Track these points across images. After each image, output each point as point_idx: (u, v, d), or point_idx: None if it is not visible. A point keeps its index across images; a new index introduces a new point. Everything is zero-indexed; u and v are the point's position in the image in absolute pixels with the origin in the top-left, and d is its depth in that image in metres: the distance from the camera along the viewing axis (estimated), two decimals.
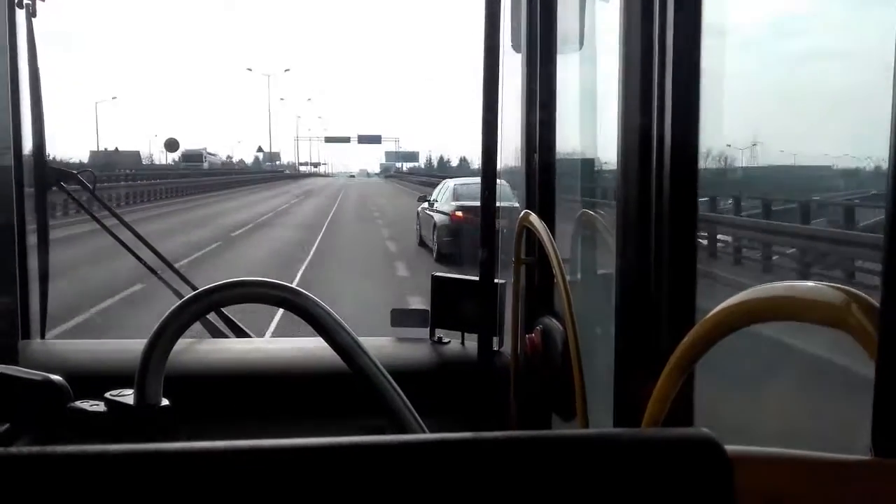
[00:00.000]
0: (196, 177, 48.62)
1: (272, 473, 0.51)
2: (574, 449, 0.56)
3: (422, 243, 15.72)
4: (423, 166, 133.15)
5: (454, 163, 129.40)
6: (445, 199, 14.70)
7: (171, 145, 59.63)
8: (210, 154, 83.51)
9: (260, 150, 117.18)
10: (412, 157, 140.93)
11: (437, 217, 14.20)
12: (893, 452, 0.57)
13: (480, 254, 1.72)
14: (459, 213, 13.13)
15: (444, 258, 13.22)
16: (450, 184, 15.84)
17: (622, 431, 0.61)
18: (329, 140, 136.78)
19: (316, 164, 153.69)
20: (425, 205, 15.95)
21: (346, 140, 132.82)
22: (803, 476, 0.57)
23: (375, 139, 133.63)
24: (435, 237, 13.98)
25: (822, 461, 0.58)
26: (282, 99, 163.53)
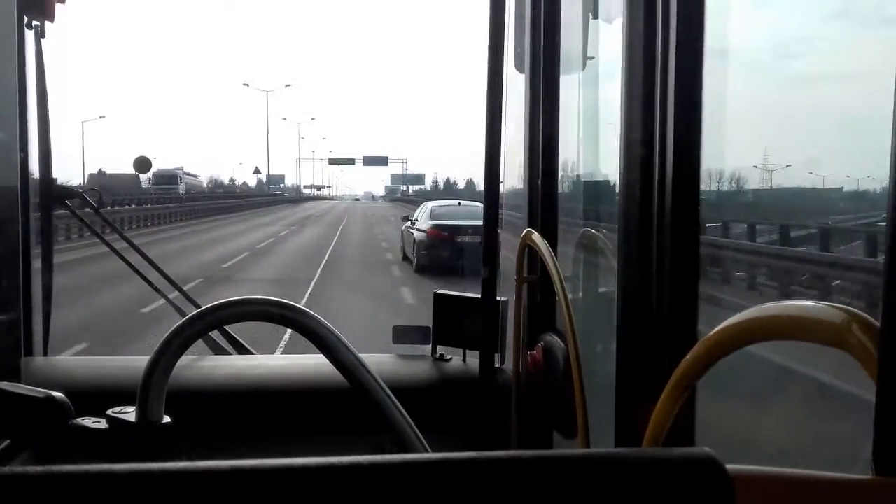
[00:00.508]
0: (178, 201, 44.62)
1: (276, 493, 0.51)
2: (576, 469, 0.56)
3: (405, 258, 17.43)
4: (429, 189, 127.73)
5: (461, 185, 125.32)
6: (424, 218, 16.51)
7: (142, 164, 49.19)
8: (189, 175, 74.70)
9: (257, 171, 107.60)
10: (418, 179, 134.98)
11: (417, 234, 16.08)
12: (894, 471, 0.57)
13: (483, 271, 1.73)
14: (435, 231, 15.19)
15: (422, 269, 15.12)
16: (428, 205, 17.80)
17: (624, 451, 0.61)
18: (333, 161, 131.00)
19: (319, 187, 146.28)
20: (408, 224, 17.70)
21: (351, 162, 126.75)
22: (805, 495, 0.57)
23: (382, 161, 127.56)
24: (414, 251, 15.98)
25: (823, 480, 0.58)
26: (284, 119, 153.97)
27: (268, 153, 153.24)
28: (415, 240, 16.20)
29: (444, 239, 14.94)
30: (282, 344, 7.07)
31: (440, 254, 14.56)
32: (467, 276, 13.40)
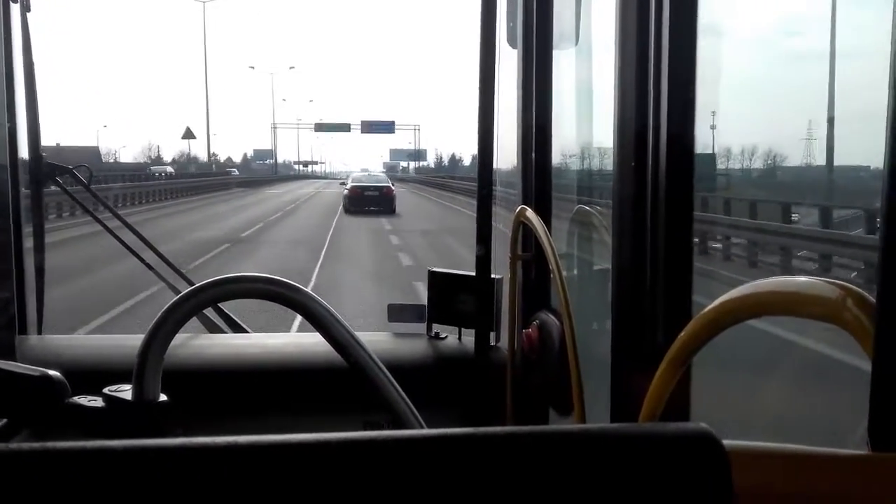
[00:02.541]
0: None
1: (272, 469, 0.51)
2: (573, 444, 0.56)
3: (343, 206, 29.97)
4: (432, 165, 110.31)
5: (466, 161, 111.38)
6: (350, 182, 32.07)
7: None
8: None
9: (188, 135, 59.91)
10: (420, 154, 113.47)
11: (345, 191, 31.02)
12: (890, 446, 0.57)
13: (477, 249, 1.73)
14: (354, 189, 29.99)
15: (347, 210, 28.60)
16: (352, 175, 36.13)
17: (621, 426, 0.61)
18: (321, 128, 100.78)
19: (305, 164, 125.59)
20: (343, 186, 34.02)
21: (346, 128, 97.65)
22: (801, 470, 0.58)
23: (385, 127, 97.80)
24: (343, 201, 30.08)
25: (819, 455, 0.58)
26: (252, 67, 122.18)
27: (207, 104, 74.70)
28: (344, 195, 30.79)
29: (358, 193, 29.46)
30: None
31: (356, 201, 28.84)
32: (368, 211, 27.70)
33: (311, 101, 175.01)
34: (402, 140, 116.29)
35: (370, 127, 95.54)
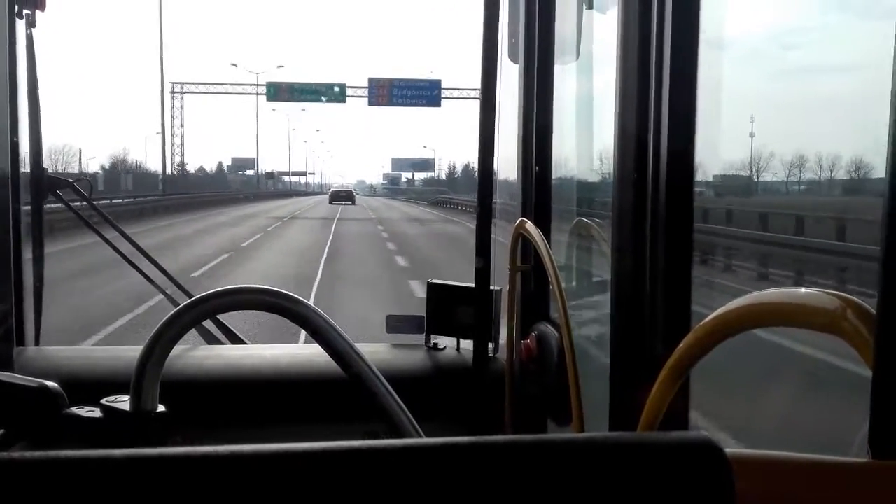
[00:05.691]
0: None
1: (274, 478, 0.51)
2: (575, 453, 0.56)
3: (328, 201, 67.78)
4: (443, 177, 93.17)
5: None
6: (332, 189, 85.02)
7: None
8: None
9: None
10: (426, 165, 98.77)
11: (328, 193, 78.87)
12: (890, 454, 0.57)
13: (476, 261, 1.73)
14: (333, 192, 73.15)
15: (330, 202, 65.89)
16: (333, 185, 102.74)
17: (623, 435, 0.61)
18: (281, 94, 52.52)
19: (270, 175, 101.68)
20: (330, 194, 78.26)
21: (336, 95, 51.68)
22: (803, 478, 0.58)
23: (422, 94, 49.18)
24: (328, 199, 70.60)
25: (820, 463, 0.58)
26: None
27: None
28: (328, 194, 75.61)
29: (336, 193, 69.67)
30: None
31: (335, 198, 65.85)
32: (340, 204, 59.50)
33: (280, 67, 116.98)
34: (416, 149, 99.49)
35: (390, 92, 47.63)
